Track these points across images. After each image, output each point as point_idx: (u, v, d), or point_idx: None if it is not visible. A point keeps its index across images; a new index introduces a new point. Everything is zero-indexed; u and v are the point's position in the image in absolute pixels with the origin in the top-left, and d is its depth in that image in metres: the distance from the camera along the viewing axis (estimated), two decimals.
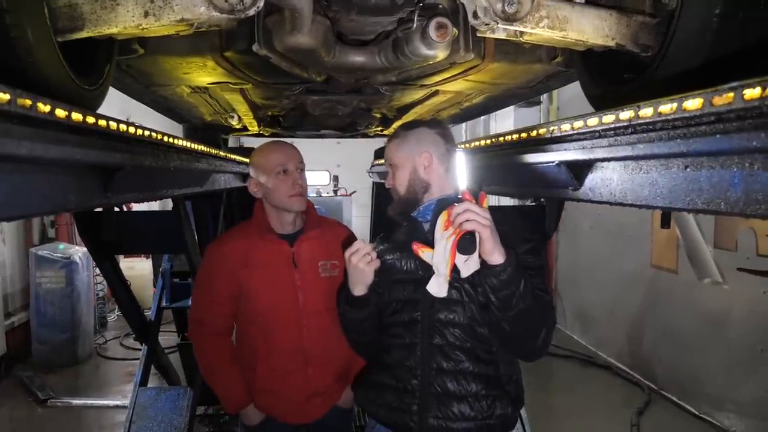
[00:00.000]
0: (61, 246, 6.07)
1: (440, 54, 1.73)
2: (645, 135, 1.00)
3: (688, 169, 0.93)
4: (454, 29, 1.62)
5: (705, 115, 0.86)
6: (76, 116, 1.02)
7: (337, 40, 1.82)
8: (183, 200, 2.74)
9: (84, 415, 4.83)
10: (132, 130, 1.32)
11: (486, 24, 1.43)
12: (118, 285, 3.11)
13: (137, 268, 7.50)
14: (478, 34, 1.53)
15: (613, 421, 4.59)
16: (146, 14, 1.31)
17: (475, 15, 1.43)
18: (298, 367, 1.98)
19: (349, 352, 1.82)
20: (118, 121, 1.23)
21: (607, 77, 1.69)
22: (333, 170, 11.83)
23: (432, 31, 1.58)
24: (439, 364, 1.54)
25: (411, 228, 1.64)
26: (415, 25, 1.67)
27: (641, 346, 5.49)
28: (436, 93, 2.67)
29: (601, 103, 1.70)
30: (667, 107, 0.95)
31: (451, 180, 1.66)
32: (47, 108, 0.92)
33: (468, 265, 1.37)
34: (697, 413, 4.55)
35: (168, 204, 2.78)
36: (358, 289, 1.58)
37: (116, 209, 2.85)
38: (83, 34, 1.31)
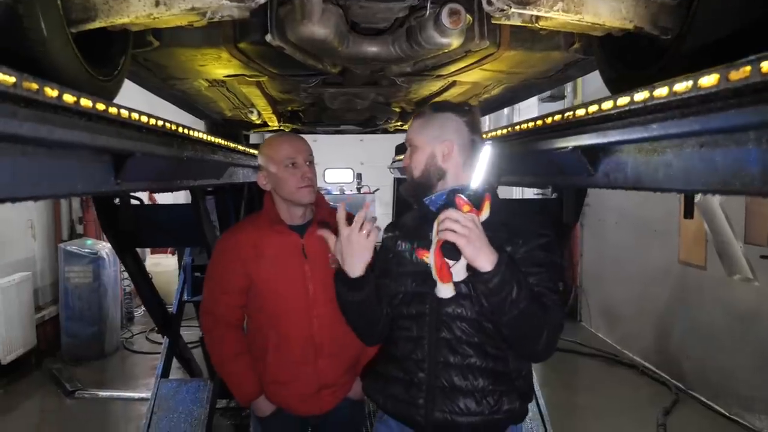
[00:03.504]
0: (89, 242, 6.20)
1: (454, 42, 1.70)
2: (660, 114, 0.96)
3: (702, 149, 0.89)
4: (468, 16, 1.59)
5: (721, 92, 0.82)
6: (86, 102, 1.03)
7: (350, 29, 1.81)
8: (202, 193, 2.76)
9: (110, 407, 4.94)
10: (144, 119, 1.33)
11: (500, 9, 1.40)
12: (140, 278, 3.16)
13: (163, 264, 7.65)
14: (492, 21, 1.50)
15: (639, 421, 4.49)
16: (157, 3, 1.32)
17: (489, 1, 1.40)
18: (309, 358, 1.98)
19: (360, 343, 1.81)
20: (129, 109, 1.24)
21: (626, 62, 1.64)
22: (356, 168, 11.83)
23: (445, 18, 1.55)
24: (446, 358, 1.52)
25: (421, 214, 1.62)
26: (428, 12, 1.64)
27: (668, 345, 5.36)
28: (453, 84, 2.64)
29: (620, 89, 1.66)
30: (682, 86, 0.91)
31: (468, 170, 1.59)
32: (54, 93, 0.93)
33: (457, 271, 1.35)
34: (727, 414, 4.42)
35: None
36: (357, 269, 1.50)
37: (136, 202, 2.90)
38: (96, 25, 1.33)
